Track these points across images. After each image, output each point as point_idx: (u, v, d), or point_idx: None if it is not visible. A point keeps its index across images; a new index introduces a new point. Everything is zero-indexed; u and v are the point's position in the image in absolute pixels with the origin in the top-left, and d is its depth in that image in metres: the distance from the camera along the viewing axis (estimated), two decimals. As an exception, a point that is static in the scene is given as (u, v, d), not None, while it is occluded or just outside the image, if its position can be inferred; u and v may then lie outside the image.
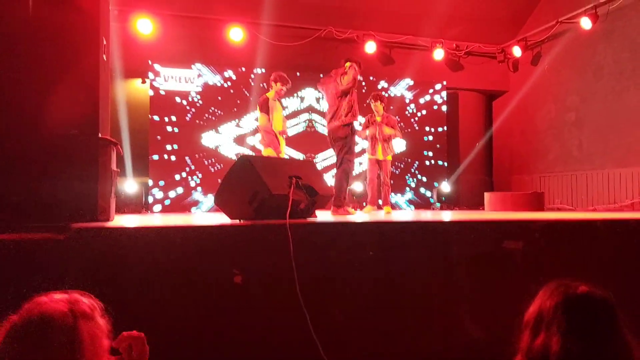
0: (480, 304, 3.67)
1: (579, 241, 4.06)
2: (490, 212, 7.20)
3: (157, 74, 8.73)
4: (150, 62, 8.68)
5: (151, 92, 8.71)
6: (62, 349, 1.20)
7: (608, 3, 8.46)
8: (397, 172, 10.10)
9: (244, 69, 9.21)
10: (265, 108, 6.26)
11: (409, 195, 10.15)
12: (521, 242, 3.97)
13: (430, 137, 10.40)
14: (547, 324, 1.36)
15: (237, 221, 4.03)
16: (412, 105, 10.38)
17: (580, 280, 1.47)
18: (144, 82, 9.06)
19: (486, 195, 7.98)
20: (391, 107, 9.88)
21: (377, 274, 3.73)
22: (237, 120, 9.15)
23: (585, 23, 8.72)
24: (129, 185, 8.09)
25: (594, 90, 9.03)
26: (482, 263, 3.85)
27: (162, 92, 8.75)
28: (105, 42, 4.29)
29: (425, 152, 10.35)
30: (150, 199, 8.48)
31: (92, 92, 3.92)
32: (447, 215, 5.99)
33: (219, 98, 9.07)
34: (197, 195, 8.75)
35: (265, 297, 3.52)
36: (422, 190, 10.22)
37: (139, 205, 7.86)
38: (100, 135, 3.97)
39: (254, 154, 8.25)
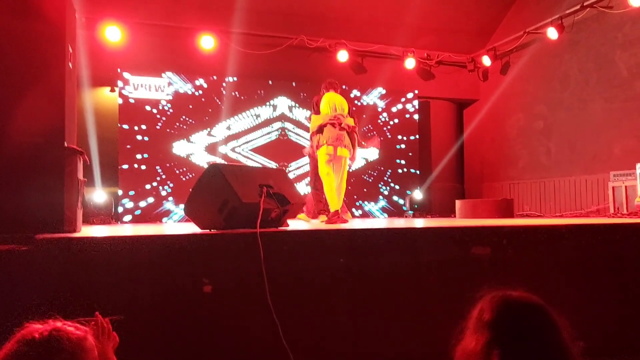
0: (448, 309, 3.70)
1: (545, 246, 4.14)
2: (460, 220, 7.28)
3: (126, 82, 8.63)
4: (119, 70, 8.58)
5: (120, 101, 8.61)
6: None
7: (573, 14, 8.69)
8: (370, 180, 10.16)
9: (215, 77, 9.17)
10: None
11: (382, 203, 10.21)
12: (489, 248, 4.03)
13: (403, 146, 10.50)
14: (480, 325, 1.41)
15: (207, 231, 4.00)
16: (385, 114, 10.47)
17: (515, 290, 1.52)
18: (112, 90, 8.95)
19: (457, 203, 8.08)
20: (364, 116, 9.96)
21: (348, 280, 3.74)
22: (208, 129, 9.10)
23: (552, 33, 8.94)
24: (98, 196, 7.95)
25: (561, 99, 9.25)
26: (451, 268, 3.89)
27: (132, 101, 8.66)
28: (71, 50, 4.22)
29: (397, 161, 10.43)
30: (120, 209, 8.36)
31: (58, 101, 3.84)
32: (418, 223, 6.04)
33: (190, 107, 9.01)
34: (169, 205, 8.65)
35: (236, 306, 3.49)
36: (395, 198, 10.29)
37: (108, 216, 7.73)
38: (66, 144, 3.90)
39: (224, 162, 8.21)
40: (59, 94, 3.88)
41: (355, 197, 9.73)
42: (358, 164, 9.61)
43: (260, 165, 8.69)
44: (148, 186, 8.59)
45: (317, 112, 6.37)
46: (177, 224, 8.07)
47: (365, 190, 9.99)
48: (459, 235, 4.08)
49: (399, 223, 6.38)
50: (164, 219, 8.54)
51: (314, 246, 3.82)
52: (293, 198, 4.38)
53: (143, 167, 8.59)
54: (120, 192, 8.45)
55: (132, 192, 8.49)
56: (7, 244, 3.07)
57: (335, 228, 4.46)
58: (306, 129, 7.81)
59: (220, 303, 3.44)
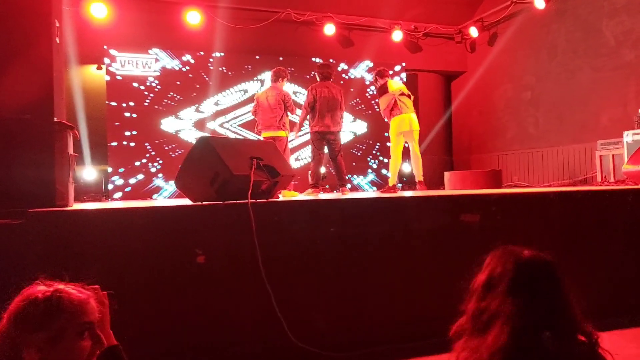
0: (438, 275, 3.78)
1: (533, 212, 4.22)
2: (449, 191, 7.36)
3: (113, 59, 8.54)
4: (105, 47, 8.47)
5: (107, 78, 8.52)
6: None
7: (560, -17, 8.68)
8: (358, 154, 10.19)
9: (202, 52, 9.09)
10: None
11: (371, 176, 10.27)
12: (478, 215, 4.09)
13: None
14: (493, 288, 1.44)
15: (199, 203, 4.02)
16: (372, 87, 10.45)
17: (525, 247, 1.55)
18: (99, 68, 8.85)
19: (446, 174, 8.14)
20: (351, 90, 9.95)
21: (340, 250, 3.80)
22: (197, 105, 9.05)
23: (539, 3, 8.93)
24: (88, 173, 7.93)
25: (549, 69, 9.28)
26: (441, 236, 3.96)
27: (119, 78, 8.57)
28: (58, 25, 4.18)
29: (385, 134, 10.43)
30: (111, 187, 8.34)
31: (46, 75, 3.83)
32: (407, 194, 6.10)
33: (178, 83, 8.94)
34: (159, 181, 8.64)
35: (228, 277, 3.54)
36: (384, 171, 10.33)
37: (99, 193, 7.73)
38: (55, 119, 3.89)
39: (214, 136, 8.18)
40: (46, 68, 3.85)
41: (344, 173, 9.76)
42: (346, 137, 9.65)
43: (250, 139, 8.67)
44: (137, 163, 8.57)
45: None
46: (167, 200, 8.08)
47: (354, 164, 10.03)
48: (448, 203, 4.14)
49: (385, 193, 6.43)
50: (154, 196, 8.55)
51: (305, 216, 3.87)
52: (283, 170, 4.40)
53: (132, 144, 8.56)
54: (110, 170, 8.42)
55: (121, 170, 8.47)
56: (0, 218, 3.09)
57: (326, 198, 4.51)
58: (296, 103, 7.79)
59: (213, 273, 3.49)
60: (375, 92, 10.38)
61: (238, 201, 3.73)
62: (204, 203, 3.86)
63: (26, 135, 3.65)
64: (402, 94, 6.94)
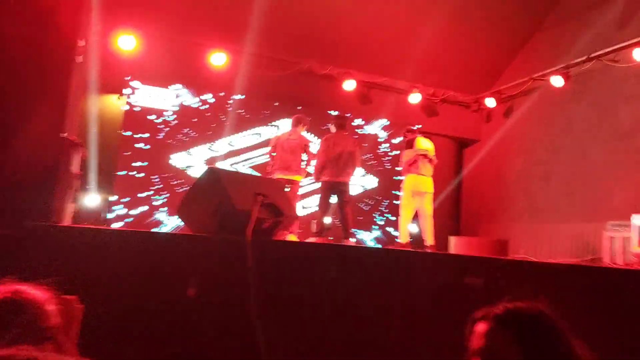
0: (438, 334, 3.61)
1: (537, 282, 4.08)
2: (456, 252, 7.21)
3: (134, 90, 8.66)
4: (128, 78, 8.61)
5: (126, 107, 8.62)
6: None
7: (579, 65, 8.80)
8: (365, 209, 10.11)
9: (223, 93, 9.21)
10: None
11: (376, 233, 10.14)
12: (482, 279, 3.96)
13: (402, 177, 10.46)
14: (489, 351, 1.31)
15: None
16: (386, 145, 10.50)
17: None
18: (120, 97, 8.96)
19: (451, 239, 8.00)
20: (365, 145, 9.99)
21: (337, 298, 3.67)
22: (210, 143, 9.09)
23: (557, 81, 9.03)
24: (91, 200, 7.88)
25: (562, 145, 9.28)
26: (443, 295, 3.81)
27: (137, 109, 8.68)
28: (83, 44, 4.24)
29: (394, 192, 10.40)
30: (112, 215, 8.27)
31: (61, 90, 3.84)
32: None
33: (194, 120, 9.02)
34: (161, 215, 8.57)
35: (218, 313, 3.41)
36: (390, 229, 10.22)
37: (97, 220, 7.64)
38: (65, 135, 3.88)
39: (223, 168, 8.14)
40: (63, 83, 3.87)
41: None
42: (355, 191, 9.59)
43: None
44: (143, 194, 8.53)
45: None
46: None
47: (360, 218, 9.93)
48: (453, 263, 4.03)
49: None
50: (154, 229, 8.45)
51: (304, 260, 3.77)
52: (287, 211, 4.33)
53: (140, 175, 8.55)
54: (114, 198, 8.37)
55: (126, 199, 8.42)
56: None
57: (328, 243, 4.41)
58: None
59: (203, 308, 3.36)
60: (388, 149, 10.41)
61: (238, 237, 3.64)
62: (202, 234, 3.78)
63: (32, 147, 3.62)
64: (426, 156, 6.93)
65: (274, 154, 6.87)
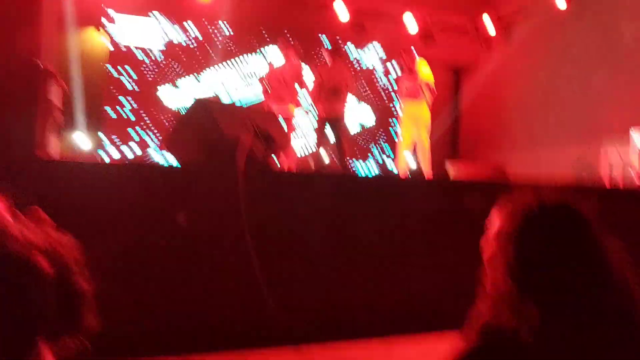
0: (434, 258, 3.57)
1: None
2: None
3: (111, 21, 8.23)
4: (103, 7, 8.15)
5: (107, 42, 8.26)
6: None
7: (581, -18, 8.43)
8: (361, 140, 9.97)
9: (205, 21, 8.80)
10: None
11: (372, 164, 10.04)
12: (480, 201, 3.86)
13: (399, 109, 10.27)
14: (506, 238, 1.17)
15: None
16: (382, 76, 10.23)
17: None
18: (98, 29, 8.54)
19: (448, 163, 7.88)
20: (360, 74, 9.73)
21: (332, 225, 3.58)
22: (196, 74, 8.78)
23: (560, 3, 8.70)
24: (80, 139, 7.71)
25: (562, 68, 9.03)
26: (440, 220, 3.73)
27: (120, 44, 8.32)
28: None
29: (391, 121, 10.23)
30: (104, 154, 8.10)
31: (32, 18, 3.60)
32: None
33: (179, 51, 8.67)
34: (152, 152, 8.40)
35: (213, 245, 3.32)
36: (388, 161, 10.12)
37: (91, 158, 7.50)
38: (40, 65, 3.66)
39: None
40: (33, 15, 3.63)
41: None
42: (350, 122, 9.42)
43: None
44: (132, 132, 8.32)
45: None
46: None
47: (355, 149, 9.81)
48: (450, 187, 3.92)
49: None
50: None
51: (298, 188, 3.66)
52: (280, 139, 4.18)
53: (127, 112, 8.31)
54: (103, 137, 8.18)
55: (114, 137, 8.23)
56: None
57: (323, 172, 4.29)
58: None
59: (197, 240, 3.27)
60: (385, 83, 10.15)
61: (228, 167, 3.51)
62: (192, 166, 3.64)
63: (7, 79, 3.43)
64: (428, 85, 6.68)
65: (266, 84, 6.62)
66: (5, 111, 3.38)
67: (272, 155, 4.10)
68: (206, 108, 3.93)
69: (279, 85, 6.47)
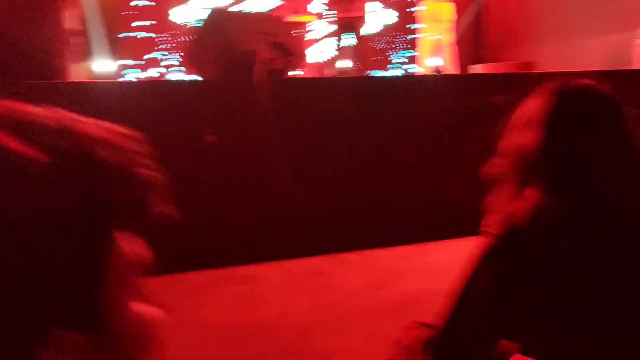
0: (461, 160, 3.55)
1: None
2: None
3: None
4: None
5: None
6: None
7: None
8: (383, 46, 9.69)
9: None
10: None
11: (395, 71, 9.82)
12: (506, 97, 3.76)
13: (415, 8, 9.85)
14: (533, 120, 1.14)
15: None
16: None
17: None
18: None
19: (471, 68, 7.66)
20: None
21: (357, 132, 3.57)
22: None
23: None
24: (102, 64, 7.70)
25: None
26: (465, 116, 3.67)
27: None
28: None
29: (410, 26, 9.85)
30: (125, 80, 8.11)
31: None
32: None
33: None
34: (175, 74, 8.36)
35: (241, 157, 3.37)
36: (412, 66, 9.85)
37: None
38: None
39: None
40: None
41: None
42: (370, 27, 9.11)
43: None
44: (151, 55, 8.26)
45: None
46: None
47: (375, 58, 9.55)
48: (474, 83, 3.83)
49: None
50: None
51: (319, 95, 3.62)
52: (296, 49, 4.10)
53: (145, 35, 8.21)
54: (124, 62, 8.15)
55: (136, 62, 8.19)
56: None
57: (342, 76, 4.22)
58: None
59: (224, 153, 3.32)
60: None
61: (249, 78, 3.49)
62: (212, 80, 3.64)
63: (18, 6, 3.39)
64: None
65: None
66: (20, 39, 3.37)
67: (290, 64, 4.04)
68: (220, 17, 3.88)
69: None
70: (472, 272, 1.04)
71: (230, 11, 5.80)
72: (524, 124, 1.17)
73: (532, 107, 1.17)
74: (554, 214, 1.02)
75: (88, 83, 3.30)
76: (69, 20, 3.86)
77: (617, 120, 1.10)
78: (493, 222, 1.06)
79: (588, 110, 1.12)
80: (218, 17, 3.75)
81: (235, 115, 3.38)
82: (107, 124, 0.62)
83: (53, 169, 0.54)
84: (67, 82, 3.25)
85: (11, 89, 2.88)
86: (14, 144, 0.53)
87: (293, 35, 4.39)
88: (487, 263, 1.03)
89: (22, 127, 0.57)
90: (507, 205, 1.10)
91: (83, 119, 0.62)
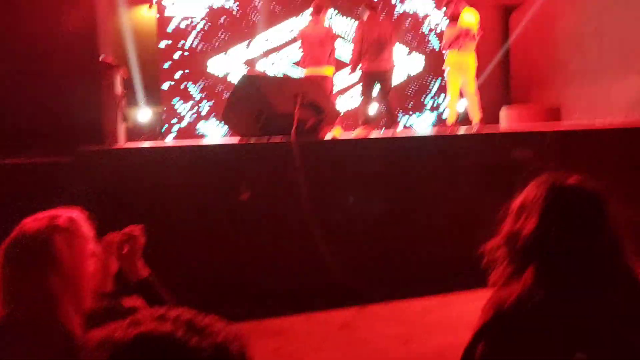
0: (487, 212, 3.67)
1: (592, 150, 3.97)
2: (504, 128, 7.07)
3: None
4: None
5: (157, 15, 8.52)
6: (37, 262, 1.25)
7: None
8: (411, 93, 9.90)
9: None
10: None
11: (426, 116, 9.98)
12: (530, 152, 3.88)
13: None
14: (528, 210, 1.34)
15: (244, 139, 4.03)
16: (428, 20, 10.03)
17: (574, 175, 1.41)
18: (150, 7, 8.78)
19: (502, 110, 7.80)
20: (407, 24, 9.58)
21: (385, 189, 3.74)
22: (246, 42, 8.90)
23: None
24: (143, 114, 8.09)
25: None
26: (489, 174, 3.81)
27: (170, 17, 8.56)
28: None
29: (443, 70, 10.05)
30: (164, 128, 8.48)
31: (89, 13, 3.84)
32: (460, 131, 5.86)
33: (226, 19, 8.80)
34: (208, 123, 8.70)
35: (272, 214, 3.56)
36: (442, 109, 10.01)
37: (154, 134, 7.89)
38: (101, 58, 3.93)
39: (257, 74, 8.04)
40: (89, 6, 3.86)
41: (399, 110, 9.49)
42: (399, 75, 9.35)
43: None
44: (188, 103, 8.63)
45: None
46: (217, 139, 8.16)
47: (409, 104, 9.75)
48: (498, 140, 3.97)
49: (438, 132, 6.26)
50: (204, 140, 8.62)
51: (349, 155, 3.81)
52: (328, 107, 4.32)
53: (184, 85, 8.61)
54: (162, 110, 8.54)
55: (174, 111, 8.57)
56: (50, 156, 3.19)
57: (371, 137, 4.41)
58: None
59: (257, 210, 3.51)
60: (432, 27, 9.96)
61: (282, 139, 3.71)
62: (248, 140, 3.87)
63: (72, 75, 3.71)
64: (468, 33, 6.56)
65: (300, 49, 6.58)
66: (72, 105, 3.66)
67: (324, 121, 4.25)
68: (253, 83, 4.12)
69: (314, 48, 6.42)
70: (469, 345, 1.24)
71: (261, 75, 6.06)
72: (522, 212, 1.36)
73: (530, 197, 1.36)
74: (535, 306, 1.20)
75: (134, 149, 3.56)
76: (117, 85, 4.21)
77: (602, 220, 1.29)
78: (487, 305, 1.26)
79: (577, 209, 1.31)
80: (251, 82, 3.99)
81: (274, 173, 3.59)
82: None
83: None
84: (117, 148, 3.51)
85: (68, 156, 3.19)
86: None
87: (323, 93, 4.61)
88: (479, 339, 1.24)
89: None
90: (501, 286, 1.30)
91: None
